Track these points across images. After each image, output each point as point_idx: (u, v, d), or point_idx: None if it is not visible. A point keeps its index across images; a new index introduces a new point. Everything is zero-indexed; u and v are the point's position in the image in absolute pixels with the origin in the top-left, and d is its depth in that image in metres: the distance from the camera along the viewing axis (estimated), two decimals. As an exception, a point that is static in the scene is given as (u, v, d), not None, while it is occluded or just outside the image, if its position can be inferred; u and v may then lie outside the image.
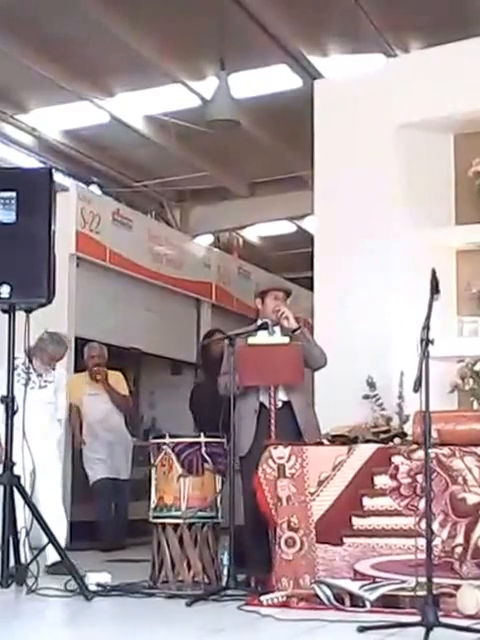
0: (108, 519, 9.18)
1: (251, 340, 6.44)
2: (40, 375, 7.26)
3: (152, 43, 10.42)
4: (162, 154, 13.19)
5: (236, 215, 14.77)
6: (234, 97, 10.35)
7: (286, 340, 6.46)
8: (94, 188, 12.74)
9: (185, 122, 11.87)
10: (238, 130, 10.69)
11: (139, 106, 12.09)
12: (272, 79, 11.11)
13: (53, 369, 7.47)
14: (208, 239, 14.56)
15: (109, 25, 9.97)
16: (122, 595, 5.93)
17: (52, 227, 6.15)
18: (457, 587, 5.08)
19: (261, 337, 6.47)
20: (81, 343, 9.61)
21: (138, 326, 10.89)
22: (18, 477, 6.12)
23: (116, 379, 9.57)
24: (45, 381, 7.35)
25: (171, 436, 6.60)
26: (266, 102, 11.29)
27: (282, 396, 6.45)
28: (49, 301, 6.14)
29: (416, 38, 10.01)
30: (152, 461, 6.61)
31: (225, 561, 6.16)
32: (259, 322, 6.56)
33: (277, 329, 6.55)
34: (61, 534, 6.80)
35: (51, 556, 6.69)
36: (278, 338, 6.49)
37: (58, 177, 12.03)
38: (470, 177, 7.86)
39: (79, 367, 9.65)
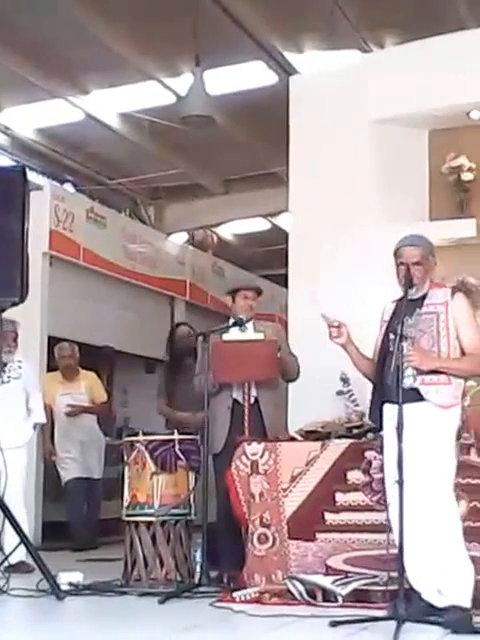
0: (80, 519, 9.12)
1: (226, 337, 6.43)
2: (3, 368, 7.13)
3: (127, 40, 10.36)
4: (136, 151, 13.12)
5: (211, 212, 14.73)
6: (209, 93, 10.30)
7: (260, 336, 6.44)
8: (68, 186, 12.66)
9: (160, 119, 11.82)
10: (213, 127, 10.64)
11: (114, 103, 12.02)
12: (247, 75, 11.05)
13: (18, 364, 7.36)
14: (183, 237, 14.51)
15: (83, 22, 9.91)
16: (94, 594, 5.92)
17: (26, 225, 6.09)
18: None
19: (235, 334, 6.46)
20: (54, 342, 9.56)
21: (112, 324, 10.86)
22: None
23: (93, 381, 9.50)
24: (9, 377, 7.26)
25: (144, 434, 6.58)
26: (241, 98, 11.24)
27: (253, 392, 6.42)
28: (22, 300, 6.07)
29: (391, 34, 9.99)
30: (125, 459, 6.60)
31: (198, 558, 6.15)
32: (233, 319, 6.55)
33: (250, 326, 6.53)
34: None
35: (15, 556, 6.60)
36: (252, 335, 6.48)
37: (32, 175, 11.94)
38: (444, 173, 7.87)
39: (51, 366, 9.58)
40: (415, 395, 4.83)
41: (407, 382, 4.82)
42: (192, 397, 7.87)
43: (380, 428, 5.03)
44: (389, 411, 4.84)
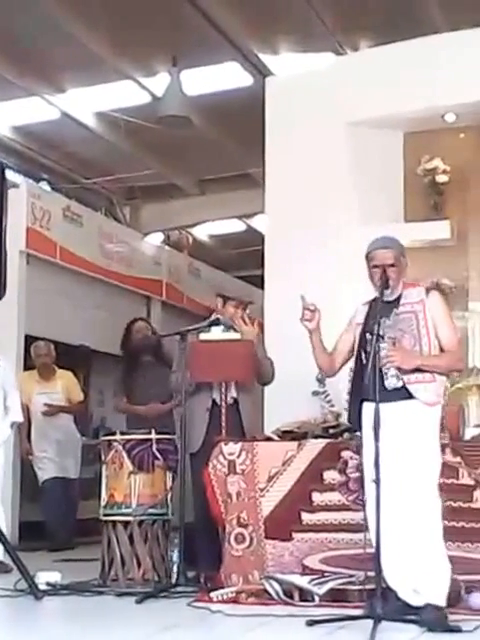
0: (57, 519, 9.11)
1: (203, 336, 6.46)
2: None
3: (103, 39, 10.36)
4: (112, 151, 13.12)
5: (186, 213, 14.74)
6: (185, 94, 10.34)
7: (237, 336, 6.48)
8: (43, 184, 12.64)
9: (136, 119, 11.83)
10: (188, 127, 10.68)
11: (90, 102, 12.01)
12: (223, 76, 11.09)
13: None
14: (158, 237, 14.52)
15: (60, 20, 9.90)
16: (72, 594, 5.91)
17: (3, 223, 6.09)
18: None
19: (213, 333, 6.49)
20: (31, 340, 9.55)
21: (88, 323, 10.85)
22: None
23: (70, 381, 9.50)
24: None
25: (122, 433, 6.60)
26: (217, 99, 11.27)
27: (233, 393, 6.46)
28: (0, 297, 6.08)
29: (365, 37, 10.05)
30: (103, 458, 6.60)
31: (175, 558, 6.17)
32: (211, 318, 6.59)
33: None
34: None
35: None
36: (230, 334, 6.51)
37: (8, 174, 11.92)
38: (419, 175, 7.94)
39: (28, 365, 9.58)
40: (401, 394, 4.89)
41: (391, 382, 4.89)
42: (151, 392, 7.92)
43: (358, 428, 5.07)
44: (368, 410, 4.87)
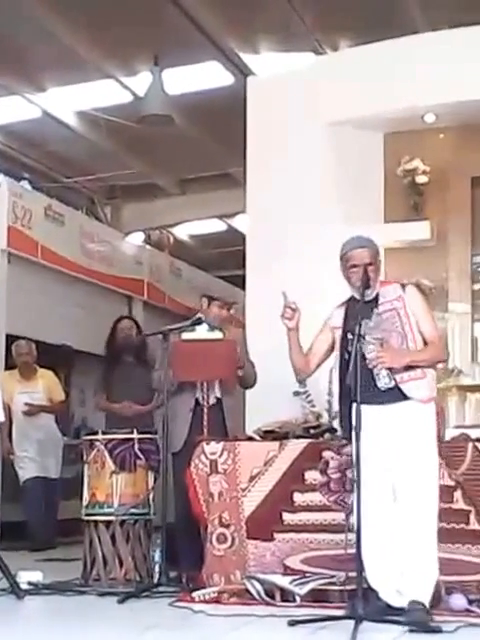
0: (38, 518, 9.09)
1: (185, 335, 6.47)
2: None
3: (85, 38, 10.35)
4: (93, 150, 13.11)
5: (167, 213, 14.74)
6: (167, 93, 10.34)
7: (220, 335, 6.50)
8: (24, 183, 12.61)
9: (117, 118, 11.82)
10: (170, 127, 10.68)
11: (71, 101, 12.00)
12: (204, 76, 11.10)
13: None
14: (140, 236, 14.51)
15: (41, 19, 9.88)
16: (54, 593, 5.92)
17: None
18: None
19: (195, 333, 6.50)
20: (12, 339, 9.54)
21: (69, 323, 10.83)
22: None
23: (51, 380, 9.49)
24: None
25: (104, 433, 6.61)
26: (198, 99, 11.27)
27: (217, 393, 6.48)
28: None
29: (345, 37, 10.08)
30: (85, 458, 6.61)
31: (157, 558, 6.18)
32: (194, 318, 6.61)
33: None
34: None
35: None
36: (212, 334, 6.53)
37: (-12, 173, 11.92)
38: (399, 175, 7.97)
39: (9, 364, 9.56)
40: (395, 394, 4.92)
41: (383, 383, 4.92)
42: (129, 392, 7.92)
43: (350, 431, 4.92)
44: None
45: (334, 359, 5.24)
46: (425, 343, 5.03)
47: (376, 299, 5.07)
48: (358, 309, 4.94)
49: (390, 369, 4.90)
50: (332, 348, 5.24)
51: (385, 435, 4.85)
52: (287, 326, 5.27)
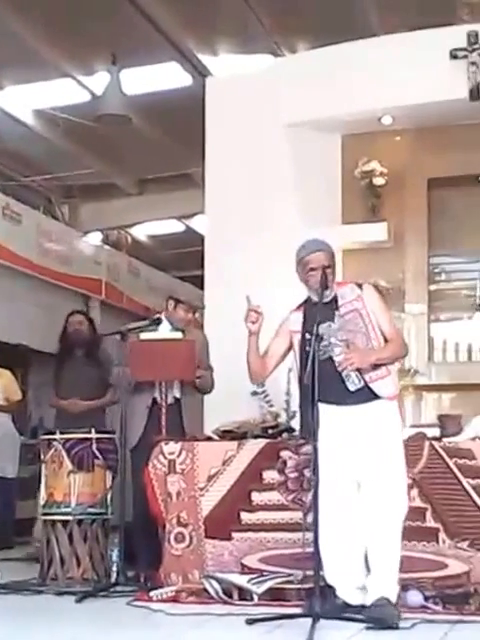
0: (-5, 518, 9.07)
1: (143, 335, 6.47)
2: None
3: (43, 37, 10.31)
4: (51, 149, 13.03)
5: (125, 213, 14.70)
6: (125, 93, 10.33)
7: (179, 335, 6.50)
8: (-20, 183, 12.56)
9: (75, 117, 11.78)
10: (128, 127, 10.67)
11: (28, 100, 11.94)
12: (163, 76, 11.10)
13: None
14: (98, 236, 14.47)
15: (-1, 17, 9.85)
16: (11, 593, 5.89)
17: None
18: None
19: (154, 333, 6.50)
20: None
21: (26, 322, 10.80)
22: None
23: (7, 380, 9.43)
24: None
25: (61, 432, 6.59)
26: (156, 99, 11.26)
27: (176, 393, 6.49)
28: None
29: (303, 39, 10.13)
30: (42, 457, 6.59)
31: (115, 557, 6.17)
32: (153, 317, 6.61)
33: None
34: None
35: None
36: (170, 333, 6.54)
37: None
38: (356, 177, 8.03)
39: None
40: (366, 394, 4.95)
41: (352, 384, 4.94)
42: (77, 388, 7.88)
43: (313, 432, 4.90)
44: (324, 413, 4.81)
45: (292, 361, 5.27)
46: (385, 340, 5.09)
47: (335, 301, 5.10)
48: (317, 311, 4.97)
49: (358, 370, 4.94)
50: (288, 351, 5.26)
51: (352, 435, 4.88)
52: (250, 330, 5.26)
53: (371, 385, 4.96)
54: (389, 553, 4.85)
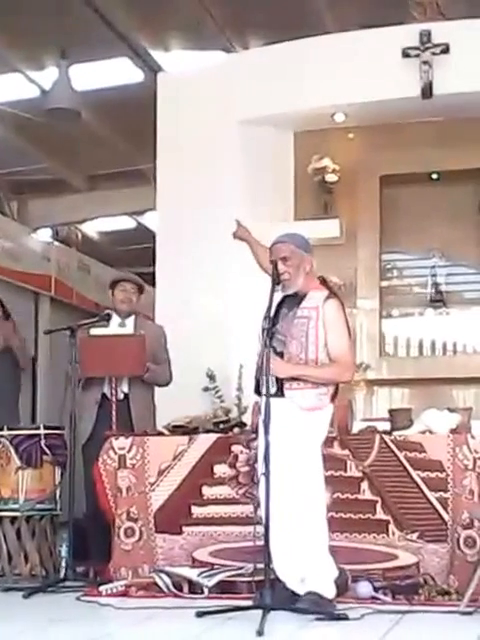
0: None
1: (93, 331, 6.43)
2: None
3: (-9, 31, 10.23)
4: (0, 144, 12.93)
5: (75, 209, 14.61)
6: (74, 88, 10.25)
7: (129, 331, 6.49)
8: None
9: (24, 112, 11.67)
10: (78, 122, 10.59)
11: (-24, 95, 11.83)
12: (113, 72, 11.05)
13: None
14: (47, 232, 14.36)
15: None
16: (-42, 589, 5.84)
17: None
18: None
19: (103, 328, 6.47)
20: None
21: (-27, 319, 10.64)
22: None
23: None
24: None
25: (9, 428, 6.53)
26: (107, 95, 11.19)
27: (124, 388, 6.45)
28: None
29: (255, 35, 10.14)
30: (-11, 454, 6.53)
31: (64, 553, 6.13)
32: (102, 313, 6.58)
33: (130, 321, 6.58)
34: None
35: None
36: (120, 329, 6.51)
37: None
38: (309, 174, 8.05)
39: None
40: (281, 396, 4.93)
41: (271, 386, 4.89)
42: None
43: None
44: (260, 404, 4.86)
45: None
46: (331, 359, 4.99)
47: (303, 299, 5.06)
48: (280, 302, 4.99)
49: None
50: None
51: (280, 429, 4.85)
52: (246, 240, 5.80)
53: (286, 391, 4.92)
54: (311, 551, 4.85)
